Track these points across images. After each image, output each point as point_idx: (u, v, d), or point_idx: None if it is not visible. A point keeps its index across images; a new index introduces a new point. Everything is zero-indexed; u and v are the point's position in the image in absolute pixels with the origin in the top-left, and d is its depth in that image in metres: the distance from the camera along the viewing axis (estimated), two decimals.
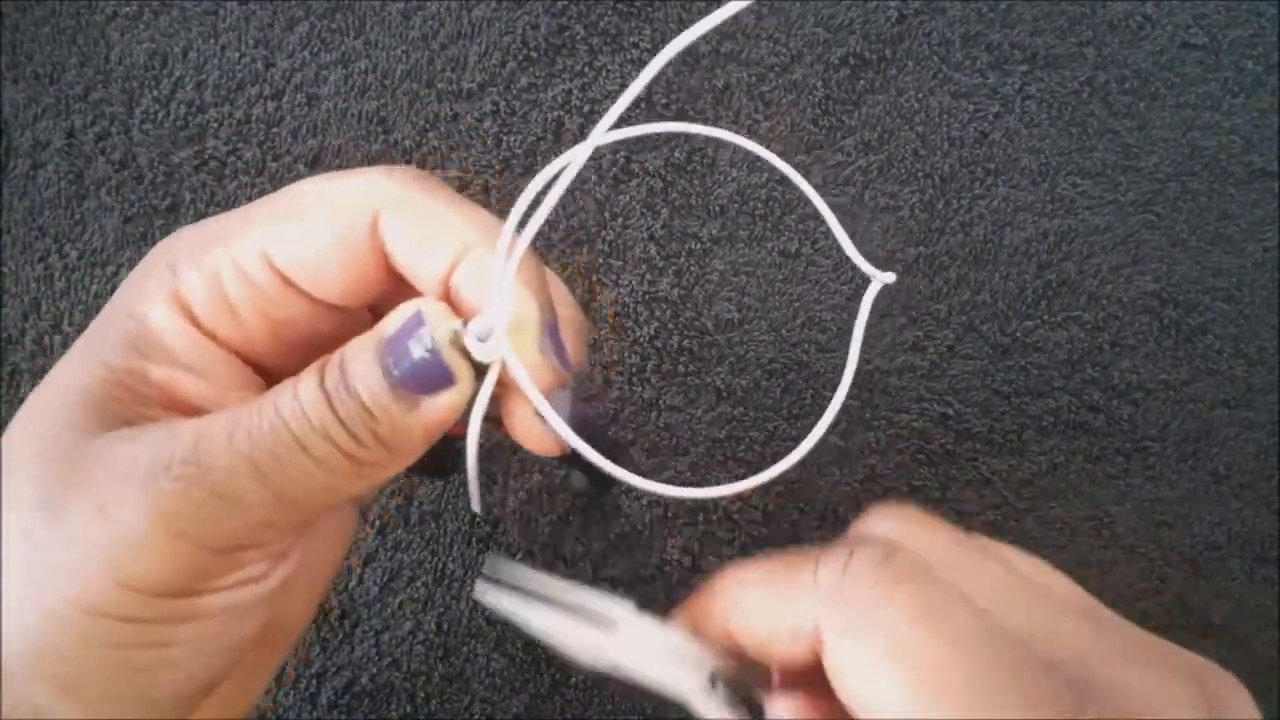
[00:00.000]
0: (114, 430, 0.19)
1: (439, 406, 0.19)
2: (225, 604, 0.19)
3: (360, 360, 0.18)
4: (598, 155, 0.36)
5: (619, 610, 0.21)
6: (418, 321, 0.18)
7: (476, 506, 0.21)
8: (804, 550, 0.21)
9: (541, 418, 0.20)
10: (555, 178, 0.18)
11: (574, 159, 0.18)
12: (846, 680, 0.19)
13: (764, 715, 0.21)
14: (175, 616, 0.18)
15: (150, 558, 0.18)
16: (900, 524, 0.22)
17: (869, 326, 0.35)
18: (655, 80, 0.37)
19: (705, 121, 0.37)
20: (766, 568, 0.21)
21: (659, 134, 0.37)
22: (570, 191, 0.36)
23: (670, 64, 0.37)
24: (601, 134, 0.17)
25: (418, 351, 0.18)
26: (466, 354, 0.19)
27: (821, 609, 0.19)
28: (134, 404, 0.19)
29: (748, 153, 0.37)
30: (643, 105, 0.37)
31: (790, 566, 0.21)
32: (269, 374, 0.21)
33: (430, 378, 0.18)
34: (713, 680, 0.21)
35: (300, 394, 0.18)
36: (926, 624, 0.18)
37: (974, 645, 0.18)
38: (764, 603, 0.21)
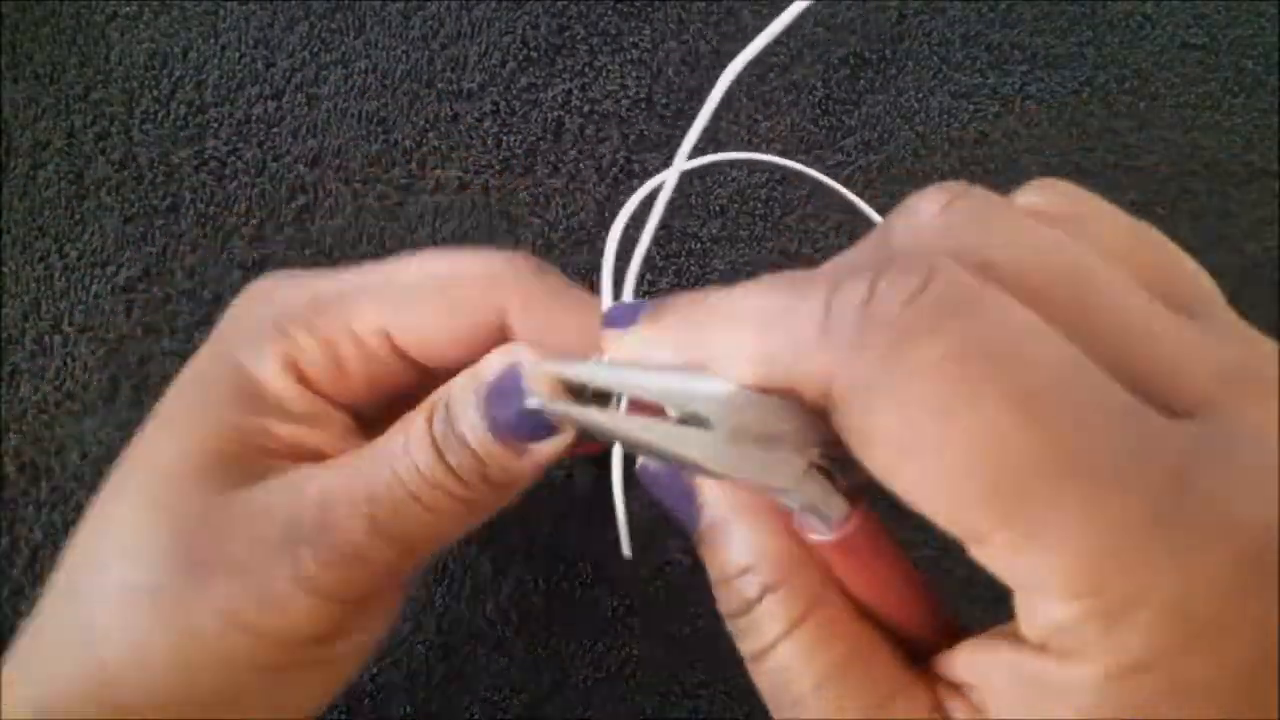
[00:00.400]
0: (243, 487, 0.20)
1: (545, 450, 0.20)
2: (352, 647, 0.21)
3: (466, 413, 0.19)
4: (598, 155, 0.36)
5: (712, 388, 0.16)
6: (515, 375, 0.19)
7: (627, 551, 0.21)
8: (808, 272, 0.16)
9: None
10: (651, 195, 0.20)
11: (665, 180, 0.20)
12: (873, 454, 0.14)
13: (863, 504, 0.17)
14: (309, 663, 0.20)
15: (291, 614, 0.19)
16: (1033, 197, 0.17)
17: None
18: (655, 80, 0.37)
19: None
20: (758, 294, 0.16)
21: (659, 134, 0.37)
22: (570, 192, 0.36)
23: (670, 64, 0.37)
24: (684, 159, 0.19)
25: (518, 405, 0.19)
26: (571, 391, 0.19)
27: (833, 356, 0.14)
28: (257, 458, 0.21)
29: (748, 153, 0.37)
30: (643, 105, 0.37)
31: (794, 289, 0.15)
32: (357, 413, 0.23)
33: (534, 428, 0.19)
34: (811, 470, 0.16)
35: (412, 449, 0.19)
36: (969, 390, 0.13)
37: (1032, 429, 0.13)
38: (754, 346, 0.15)
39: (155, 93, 0.36)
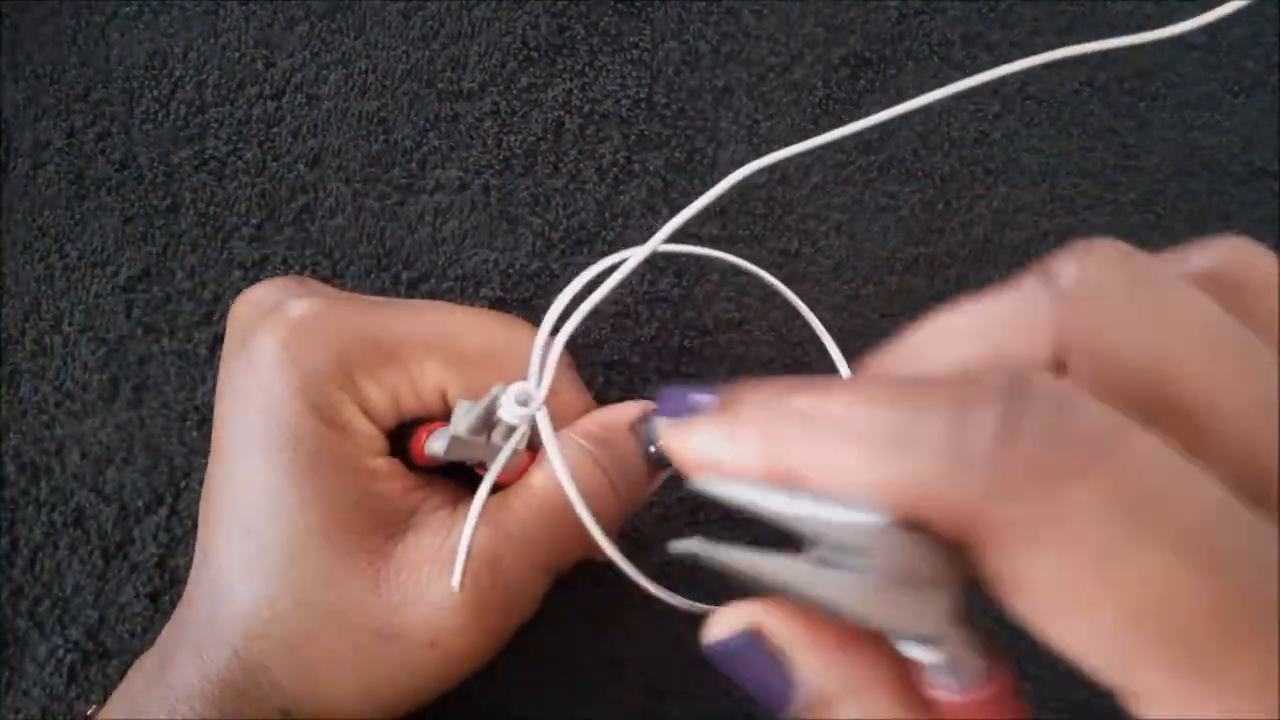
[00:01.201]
0: (394, 534, 0.24)
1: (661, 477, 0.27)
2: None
3: (633, 456, 0.25)
4: (598, 155, 0.36)
5: (863, 519, 0.14)
6: (647, 424, 0.26)
7: (456, 583, 0.23)
8: (923, 381, 0.14)
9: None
10: (607, 271, 0.22)
11: (629, 258, 0.21)
12: (1026, 603, 0.13)
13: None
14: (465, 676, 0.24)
15: (466, 640, 0.23)
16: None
17: (869, 327, 0.35)
18: (655, 80, 0.37)
19: (705, 121, 0.37)
20: (863, 403, 0.14)
21: (660, 135, 0.37)
22: (571, 192, 0.36)
23: (670, 64, 0.37)
24: (657, 242, 0.21)
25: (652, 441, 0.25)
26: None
27: (973, 495, 0.13)
28: (386, 502, 0.24)
29: (747, 153, 0.37)
30: (643, 105, 0.37)
31: (910, 404, 0.13)
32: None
33: (660, 459, 0.25)
34: (956, 615, 0.14)
35: (584, 488, 0.23)
36: (1139, 526, 0.12)
37: (1218, 571, 0.12)
38: (864, 466, 0.14)
39: (155, 93, 0.36)
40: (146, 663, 0.24)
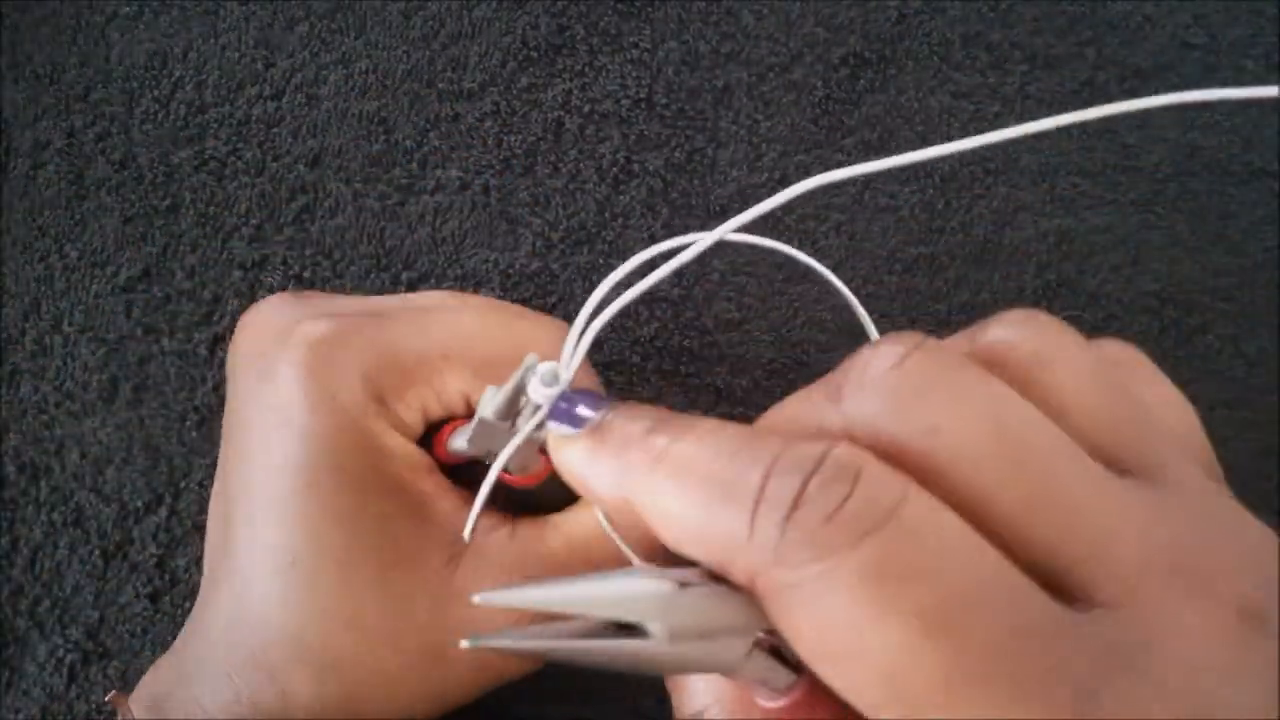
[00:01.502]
0: (454, 554, 0.24)
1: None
2: None
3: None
4: (598, 155, 0.36)
5: (648, 589, 0.16)
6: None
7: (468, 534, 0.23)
8: (757, 434, 0.15)
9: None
10: (649, 263, 0.21)
11: (691, 246, 0.21)
12: (795, 647, 0.15)
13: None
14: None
15: (518, 663, 0.25)
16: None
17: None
18: (655, 80, 0.37)
19: (705, 121, 0.37)
20: (702, 454, 0.15)
21: (659, 134, 0.37)
22: (570, 192, 0.36)
23: (670, 64, 0.37)
24: (726, 231, 0.20)
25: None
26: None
27: (756, 556, 0.14)
28: (438, 524, 0.24)
29: (748, 153, 0.37)
30: (643, 105, 0.37)
31: (737, 458, 0.15)
32: None
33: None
34: (757, 645, 0.16)
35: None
36: (886, 601, 0.13)
37: (946, 635, 0.13)
38: (687, 514, 0.15)
39: (155, 93, 0.36)
40: (163, 676, 0.24)
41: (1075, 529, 0.14)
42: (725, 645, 0.16)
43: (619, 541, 0.21)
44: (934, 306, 0.36)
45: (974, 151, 0.38)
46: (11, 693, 0.29)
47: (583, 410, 0.18)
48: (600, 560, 0.25)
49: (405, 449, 0.24)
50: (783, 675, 0.16)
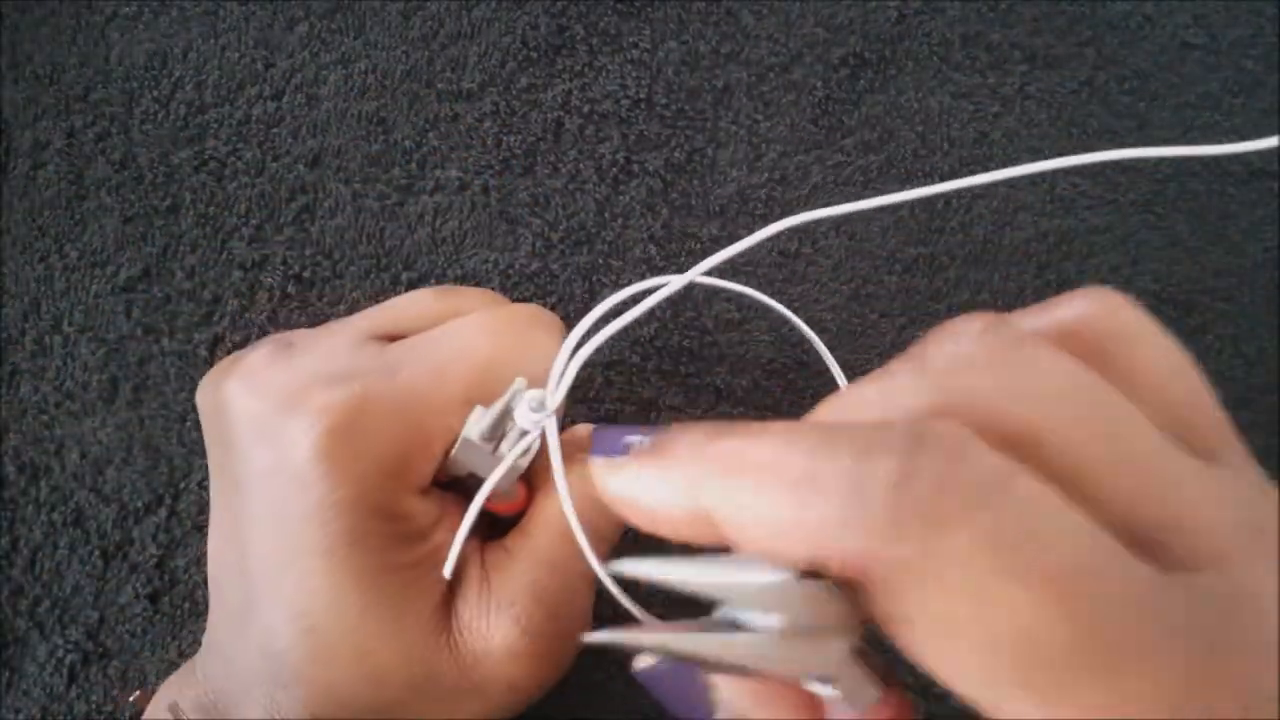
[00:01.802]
0: (453, 595, 0.24)
1: None
2: None
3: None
4: (598, 155, 0.36)
5: (762, 578, 0.15)
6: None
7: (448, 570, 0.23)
8: (833, 426, 0.15)
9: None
10: (631, 299, 0.22)
11: (666, 286, 0.21)
12: (907, 635, 0.14)
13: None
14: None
15: (539, 673, 0.24)
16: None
17: (869, 327, 0.35)
18: (655, 80, 0.37)
19: (705, 121, 0.37)
20: (778, 447, 0.15)
21: (659, 135, 0.37)
22: (570, 192, 0.36)
23: (670, 64, 0.37)
24: (695, 274, 0.21)
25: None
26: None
27: (868, 539, 0.14)
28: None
29: (748, 153, 0.37)
30: (643, 104, 0.37)
31: (819, 449, 0.15)
32: None
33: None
34: (853, 655, 0.16)
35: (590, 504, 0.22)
36: (1010, 568, 0.13)
37: (1085, 606, 0.13)
38: (775, 510, 0.15)
39: (155, 93, 0.36)
40: (192, 693, 0.24)
41: (1167, 498, 0.15)
42: (829, 646, 0.15)
43: (588, 553, 0.21)
44: (934, 306, 0.36)
45: (973, 152, 0.38)
46: (11, 693, 0.29)
47: (628, 437, 0.18)
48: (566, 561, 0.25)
49: (420, 507, 0.24)
50: (870, 691, 0.16)
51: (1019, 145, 0.38)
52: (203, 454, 0.32)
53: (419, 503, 0.24)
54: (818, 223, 0.36)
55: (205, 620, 0.26)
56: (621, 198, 0.36)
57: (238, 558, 0.24)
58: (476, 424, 0.23)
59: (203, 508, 0.32)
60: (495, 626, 0.24)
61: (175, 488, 0.32)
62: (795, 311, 0.35)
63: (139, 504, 0.31)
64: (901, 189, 0.37)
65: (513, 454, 0.23)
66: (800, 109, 0.37)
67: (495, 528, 0.26)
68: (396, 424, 0.24)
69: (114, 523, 0.31)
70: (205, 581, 0.31)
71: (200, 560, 0.31)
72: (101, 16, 0.37)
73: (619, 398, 0.34)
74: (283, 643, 0.23)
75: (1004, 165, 0.37)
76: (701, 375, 0.34)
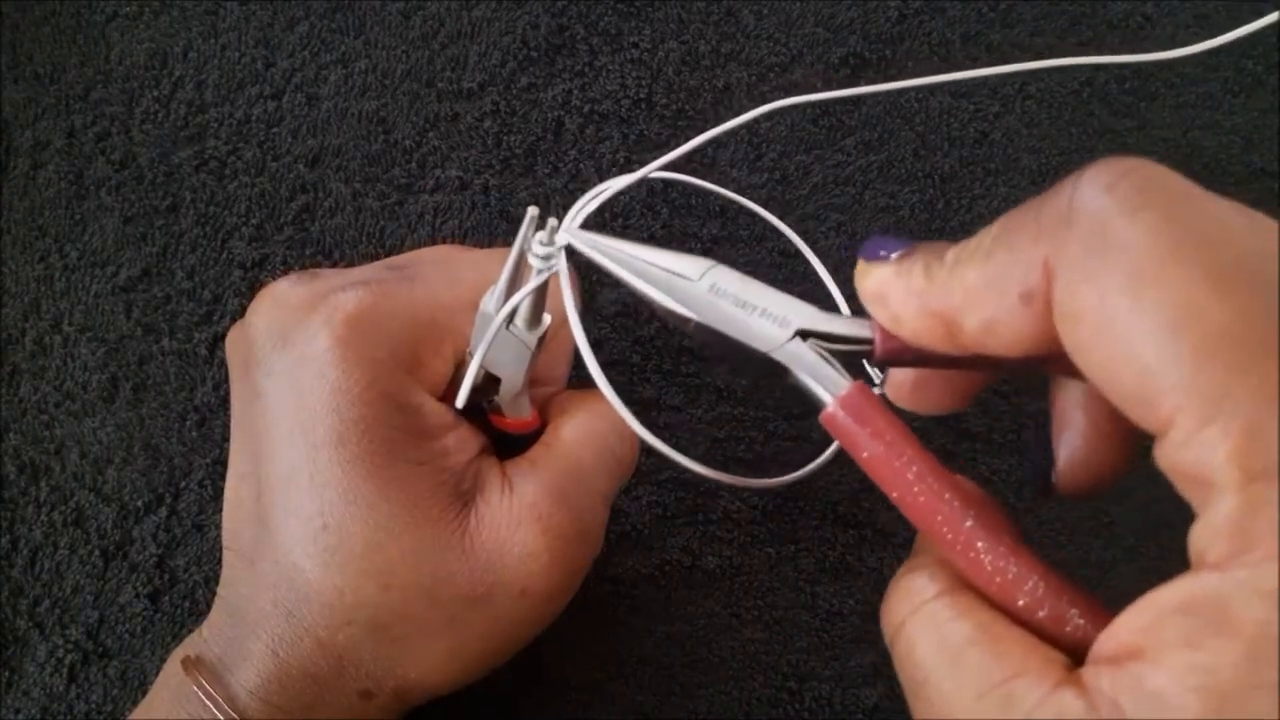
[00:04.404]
0: (468, 500, 0.25)
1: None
2: None
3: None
4: (598, 155, 0.36)
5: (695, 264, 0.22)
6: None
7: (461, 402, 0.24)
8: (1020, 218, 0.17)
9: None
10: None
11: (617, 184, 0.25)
12: (1075, 331, 0.15)
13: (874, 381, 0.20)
14: (552, 619, 0.26)
15: (552, 580, 0.25)
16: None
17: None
18: (655, 80, 0.37)
19: (705, 121, 0.37)
20: (982, 240, 0.17)
21: (660, 135, 0.37)
22: (570, 192, 0.36)
23: (670, 64, 0.37)
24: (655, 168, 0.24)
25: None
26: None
27: (1050, 246, 0.15)
28: (459, 475, 0.25)
29: (748, 153, 0.37)
30: (643, 105, 0.37)
31: (1008, 228, 0.17)
32: None
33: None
34: (801, 336, 0.20)
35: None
36: (1165, 264, 0.14)
37: (1250, 277, 0.14)
38: (986, 273, 0.17)
39: (155, 93, 0.36)
40: (187, 662, 0.24)
41: None
42: (761, 324, 0.21)
43: (586, 353, 0.22)
44: None
45: (973, 152, 0.38)
46: (11, 693, 0.29)
47: (884, 247, 0.20)
48: (602, 455, 0.26)
49: (432, 406, 0.25)
50: (835, 378, 0.20)
51: (1019, 145, 0.38)
52: (203, 453, 0.32)
53: (431, 402, 0.25)
54: (818, 223, 0.36)
55: (206, 620, 0.26)
56: (621, 198, 0.36)
57: (253, 485, 0.24)
58: (490, 295, 0.24)
59: (202, 507, 0.32)
60: (516, 524, 0.24)
61: (175, 487, 0.32)
62: None
63: (139, 504, 0.31)
64: (901, 189, 0.37)
65: (534, 281, 0.23)
66: (800, 109, 0.37)
67: (510, 452, 0.27)
68: (410, 319, 0.25)
69: (114, 522, 0.31)
70: (205, 581, 0.31)
71: (200, 560, 0.31)
72: (102, 16, 0.37)
73: (619, 398, 0.34)
74: (296, 552, 0.23)
75: (1004, 165, 0.38)
76: (701, 375, 0.34)
